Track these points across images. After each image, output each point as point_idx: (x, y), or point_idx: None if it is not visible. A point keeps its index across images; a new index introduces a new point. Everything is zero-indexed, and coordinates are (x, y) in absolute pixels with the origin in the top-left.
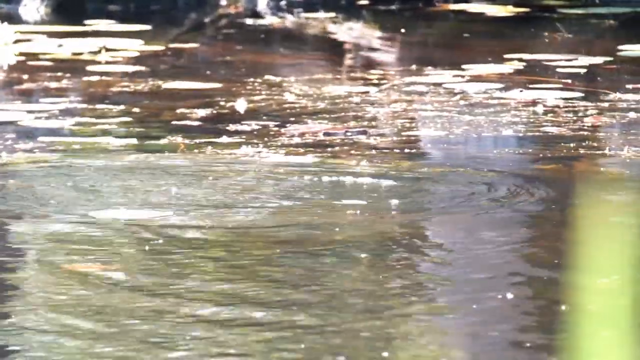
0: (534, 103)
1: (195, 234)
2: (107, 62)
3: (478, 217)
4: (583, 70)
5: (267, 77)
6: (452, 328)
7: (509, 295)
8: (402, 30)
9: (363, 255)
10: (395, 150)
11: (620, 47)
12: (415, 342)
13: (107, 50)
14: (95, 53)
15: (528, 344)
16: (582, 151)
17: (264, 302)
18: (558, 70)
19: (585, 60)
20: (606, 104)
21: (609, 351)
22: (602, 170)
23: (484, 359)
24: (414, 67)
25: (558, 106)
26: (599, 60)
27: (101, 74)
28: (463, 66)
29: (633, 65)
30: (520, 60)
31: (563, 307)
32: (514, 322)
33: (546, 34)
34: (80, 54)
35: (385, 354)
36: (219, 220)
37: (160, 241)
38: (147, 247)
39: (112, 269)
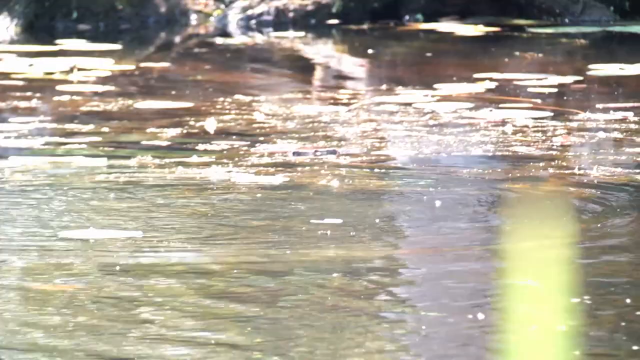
0: (503, 123)
1: (164, 254)
2: (79, 82)
3: (439, 238)
4: (553, 90)
5: (236, 96)
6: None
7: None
8: (372, 50)
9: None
10: (364, 169)
11: (589, 67)
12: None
13: (79, 69)
14: (66, 72)
15: None
16: (549, 170)
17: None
18: (528, 90)
19: (555, 80)
20: (575, 124)
21: None
22: (566, 189)
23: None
24: (383, 86)
25: (527, 126)
26: (568, 79)
27: (71, 93)
28: (433, 86)
29: (602, 85)
30: (490, 79)
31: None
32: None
33: (517, 53)
34: (52, 73)
35: None
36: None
37: (128, 261)
38: (114, 267)
39: (76, 288)
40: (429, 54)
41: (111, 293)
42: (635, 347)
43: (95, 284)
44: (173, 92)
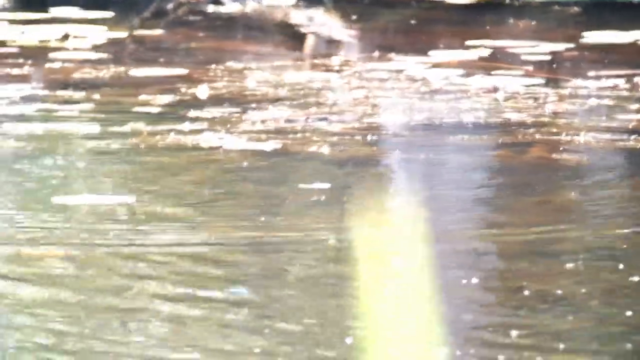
0: (494, 89)
1: (157, 216)
2: (74, 49)
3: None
4: (545, 58)
5: (228, 64)
6: None
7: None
8: (365, 15)
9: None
10: (356, 136)
11: (583, 34)
12: None
13: (72, 37)
14: (59, 40)
15: None
16: (537, 137)
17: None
18: (520, 57)
19: (548, 48)
20: (567, 91)
21: None
22: (555, 156)
23: None
24: (375, 54)
25: (518, 92)
26: (561, 47)
27: (64, 60)
28: (425, 53)
29: (594, 53)
30: (482, 47)
31: None
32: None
33: (511, 20)
34: (47, 41)
35: None
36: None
37: (121, 227)
38: (107, 234)
39: (71, 254)
40: (421, 22)
41: (102, 260)
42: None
43: (86, 249)
44: (165, 60)
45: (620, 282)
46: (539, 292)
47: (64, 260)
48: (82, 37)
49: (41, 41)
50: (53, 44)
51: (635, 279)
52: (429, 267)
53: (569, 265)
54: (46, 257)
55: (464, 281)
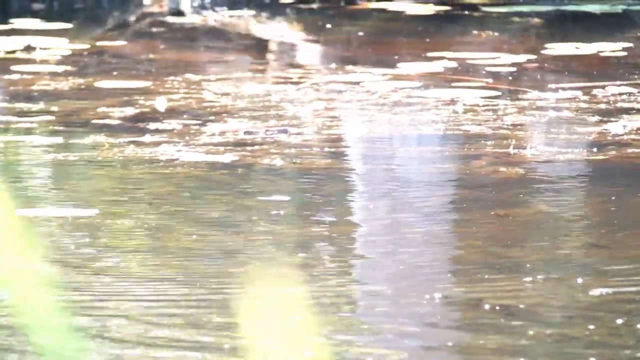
0: (453, 102)
1: (120, 227)
2: (33, 62)
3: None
4: (506, 69)
5: (188, 75)
6: None
7: None
8: (326, 27)
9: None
10: (315, 148)
11: (543, 45)
12: None
13: (33, 49)
14: (20, 51)
15: None
16: (496, 149)
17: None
18: (481, 68)
19: (509, 59)
20: (526, 103)
21: None
22: (514, 169)
23: None
24: (336, 65)
25: (477, 105)
26: (522, 58)
27: (23, 72)
28: (385, 65)
29: (556, 64)
30: (443, 58)
31: None
32: None
33: (475, 32)
34: (7, 52)
35: None
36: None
37: (86, 239)
38: (71, 245)
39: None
40: (382, 33)
41: (66, 271)
42: None
43: (50, 260)
44: (125, 71)
45: (580, 296)
46: (500, 306)
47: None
48: (43, 48)
49: (11, 52)
50: (13, 55)
51: (596, 292)
52: (387, 280)
53: (528, 279)
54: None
55: (426, 296)
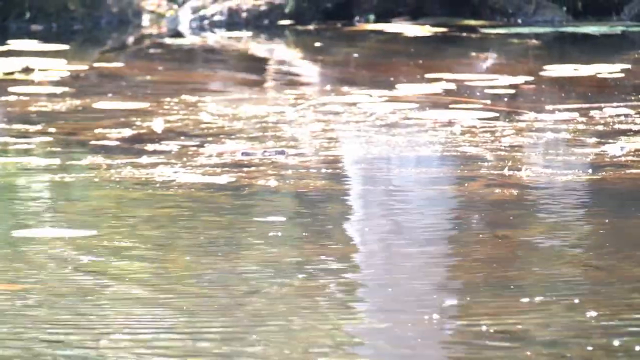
0: (450, 123)
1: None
2: (31, 83)
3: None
4: (504, 91)
5: (186, 96)
6: None
7: None
8: (324, 48)
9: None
10: (312, 170)
11: (542, 67)
12: None
13: (31, 70)
14: (17, 73)
15: None
16: (494, 171)
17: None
18: (478, 90)
19: (507, 80)
20: (524, 124)
21: None
22: (511, 191)
23: None
24: (334, 87)
25: (475, 126)
26: (520, 80)
27: (21, 93)
28: (383, 86)
29: (554, 85)
30: (441, 80)
31: None
32: None
33: (473, 53)
34: (6, 73)
35: None
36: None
37: (84, 260)
38: (68, 267)
39: (28, 288)
40: (379, 55)
41: (64, 291)
42: None
43: (47, 282)
44: (123, 93)
45: (578, 318)
46: (497, 327)
47: (18, 295)
48: (41, 69)
49: (9, 73)
50: (11, 76)
51: (593, 314)
52: (384, 301)
53: (525, 300)
54: (3, 290)
55: (426, 317)
